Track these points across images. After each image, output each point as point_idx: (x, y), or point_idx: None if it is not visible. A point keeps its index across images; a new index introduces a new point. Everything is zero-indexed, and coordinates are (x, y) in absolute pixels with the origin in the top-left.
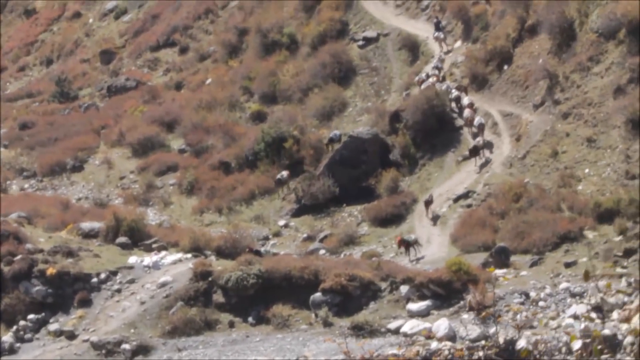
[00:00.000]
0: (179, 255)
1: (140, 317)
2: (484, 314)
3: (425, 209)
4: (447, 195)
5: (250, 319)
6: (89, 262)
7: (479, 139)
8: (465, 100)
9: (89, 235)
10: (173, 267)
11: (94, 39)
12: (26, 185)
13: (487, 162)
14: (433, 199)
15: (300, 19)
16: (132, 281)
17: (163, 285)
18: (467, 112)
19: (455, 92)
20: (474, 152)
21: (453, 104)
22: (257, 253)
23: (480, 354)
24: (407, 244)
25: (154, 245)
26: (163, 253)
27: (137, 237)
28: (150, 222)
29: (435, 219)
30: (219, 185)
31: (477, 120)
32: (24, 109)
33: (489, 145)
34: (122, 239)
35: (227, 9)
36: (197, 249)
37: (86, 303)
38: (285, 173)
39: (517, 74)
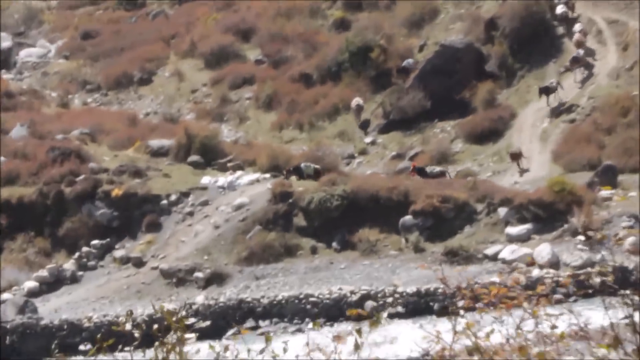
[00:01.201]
0: (256, 175)
1: (214, 243)
2: (600, 236)
3: (516, 162)
4: (547, 110)
5: (334, 244)
6: (158, 183)
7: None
8: (577, 27)
9: (158, 153)
10: (250, 188)
11: None
12: (89, 100)
13: (591, 74)
14: (522, 152)
15: None
16: (205, 203)
17: (239, 207)
18: (577, 37)
19: (562, 8)
20: (575, 62)
21: (558, 14)
22: (297, 171)
23: (594, 281)
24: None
25: (228, 164)
26: (239, 173)
27: (210, 156)
28: (225, 138)
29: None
30: (300, 99)
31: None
32: (86, 17)
33: (590, 53)
34: (194, 158)
35: None
36: (276, 168)
37: (155, 227)
38: (359, 100)
39: None
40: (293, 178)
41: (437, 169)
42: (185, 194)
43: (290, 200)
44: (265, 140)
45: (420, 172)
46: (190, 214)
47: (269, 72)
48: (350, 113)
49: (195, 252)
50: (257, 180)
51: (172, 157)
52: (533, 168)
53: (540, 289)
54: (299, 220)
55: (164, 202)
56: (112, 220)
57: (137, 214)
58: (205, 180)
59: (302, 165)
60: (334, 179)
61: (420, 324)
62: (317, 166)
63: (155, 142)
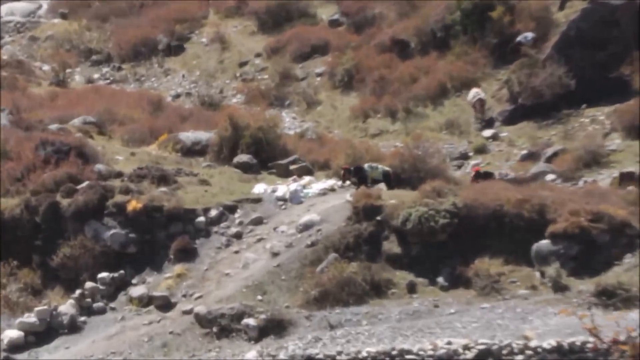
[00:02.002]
0: (331, 181)
1: (271, 277)
2: None
3: None
4: None
5: (440, 280)
6: (192, 193)
7: None
8: None
9: (193, 151)
10: (321, 200)
11: None
12: (96, 76)
13: None
14: None
15: None
16: (258, 221)
17: (306, 227)
18: None
19: None
20: None
21: None
22: (358, 173)
23: None
24: None
25: (292, 167)
26: (306, 179)
27: (266, 155)
28: (287, 130)
29: None
30: (392, 75)
31: None
32: None
33: None
34: (243, 158)
35: None
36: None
37: (188, 255)
38: (480, 92)
39: None
40: (381, 186)
41: (510, 174)
42: (230, 209)
43: (379, 218)
44: (344, 133)
45: (485, 176)
46: (238, 236)
47: (349, 38)
48: (463, 96)
49: (244, 290)
50: (332, 190)
51: (211, 156)
52: None
53: None
54: (391, 246)
55: (201, 219)
56: (127, 244)
57: (163, 237)
58: (259, 189)
59: (366, 166)
60: (439, 187)
61: None
62: (387, 168)
63: (189, 136)
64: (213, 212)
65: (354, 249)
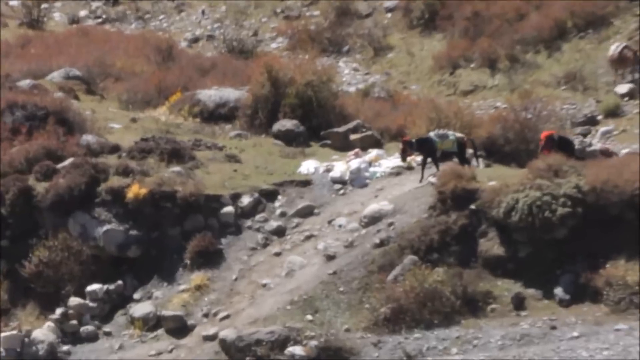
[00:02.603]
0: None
1: (325, 289)
2: None
3: None
4: None
5: (558, 292)
6: (216, 174)
7: None
8: None
9: (216, 116)
10: (394, 183)
11: None
12: (83, 13)
13: None
14: None
15: None
16: (307, 212)
17: (374, 220)
18: None
19: None
20: None
21: None
22: (423, 145)
23: None
24: None
25: (352, 137)
26: (373, 153)
27: (317, 121)
28: (346, 87)
29: None
30: (490, 10)
31: None
32: None
33: None
34: (285, 125)
35: None
36: None
37: (211, 258)
38: (626, 48)
39: None
40: (478, 163)
41: (597, 144)
42: (268, 195)
43: (473, 207)
44: (424, 89)
45: (561, 146)
46: (279, 232)
47: None
48: (590, 36)
49: (288, 308)
50: (409, 168)
51: (242, 123)
52: None
53: None
54: (490, 246)
55: (228, 210)
56: (126, 245)
57: (176, 234)
58: (308, 168)
59: (433, 135)
60: (557, 164)
61: None
62: (461, 135)
63: (211, 95)
64: (245, 200)
65: (440, 250)
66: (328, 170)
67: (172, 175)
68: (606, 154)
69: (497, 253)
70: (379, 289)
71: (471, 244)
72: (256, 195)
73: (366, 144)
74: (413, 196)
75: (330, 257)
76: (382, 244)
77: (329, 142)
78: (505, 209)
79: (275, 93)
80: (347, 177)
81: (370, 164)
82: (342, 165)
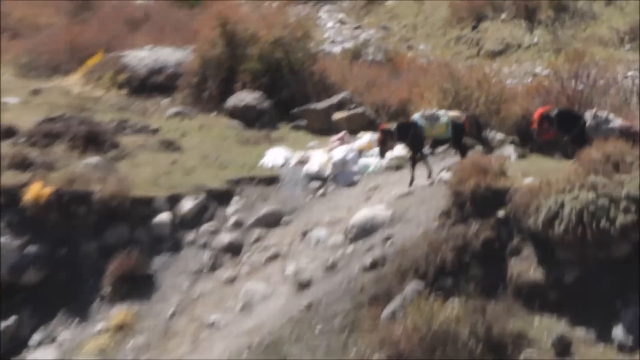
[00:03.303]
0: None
1: (294, 329)
2: None
3: None
4: None
5: (618, 333)
6: (147, 167)
7: None
8: None
9: (149, 86)
10: (394, 180)
11: None
12: None
13: None
14: None
15: None
16: (272, 221)
17: (364, 232)
18: None
19: None
20: None
21: None
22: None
23: None
24: None
25: (337, 116)
26: (365, 137)
27: (288, 92)
28: (329, 47)
29: None
30: None
31: None
32: None
33: None
34: (244, 98)
35: None
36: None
37: (139, 286)
38: None
39: None
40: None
41: (615, 119)
42: (219, 197)
43: (502, 214)
44: (436, 49)
45: (564, 124)
46: (233, 249)
47: None
48: None
49: (245, 356)
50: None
51: (185, 96)
52: None
53: None
54: (525, 267)
55: (163, 218)
56: (22, 267)
57: (92, 251)
58: (275, 158)
59: (418, 117)
60: (618, 153)
61: None
62: (456, 114)
63: (143, 58)
64: (186, 205)
65: (455, 274)
66: (302, 163)
67: (87, 170)
68: (627, 133)
69: (533, 278)
70: (371, 328)
71: (498, 265)
72: (202, 197)
73: (355, 126)
74: (419, 199)
75: (304, 285)
76: (375, 265)
77: (303, 123)
78: (546, 216)
79: (231, 55)
80: (328, 172)
81: (360, 153)
82: (322, 156)
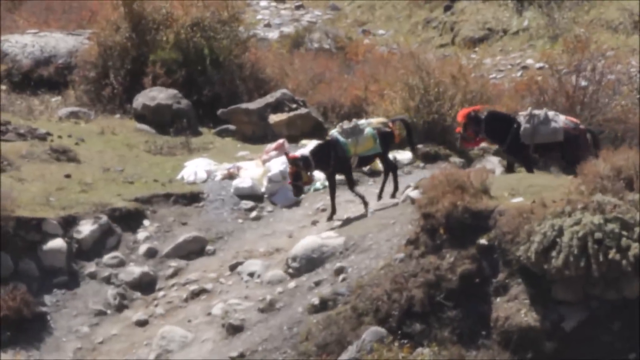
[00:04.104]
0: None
1: None
2: None
3: None
4: None
5: None
6: (33, 183)
7: None
8: None
9: (35, 80)
10: (343, 198)
11: None
12: None
13: None
14: None
15: None
16: (194, 249)
17: (309, 264)
18: None
19: None
20: None
21: None
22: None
23: None
24: None
25: (273, 118)
26: (309, 145)
27: (212, 88)
28: (263, 31)
29: None
30: None
31: None
32: None
33: None
34: (156, 96)
35: None
36: (429, 134)
37: (25, 330)
38: None
39: None
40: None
41: (558, 118)
42: (125, 219)
43: (483, 242)
44: (399, 35)
45: (492, 133)
46: (145, 284)
47: None
48: None
49: None
50: (370, 174)
51: (81, 93)
52: None
53: None
54: (512, 311)
55: (55, 244)
56: None
57: None
58: (196, 171)
59: (337, 133)
60: (628, 165)
61: None
62: (382, 122)
63: (26, 45)
64: (85, 228)
65: (425, 317)
66: (231, 177)
67: None
68: (575, 135)
69: (525, 323)
70: None
71: (480, 306)
72: (104, 219)
73: (297, 131)
74: (379, 222)
75: (235, 330)
76: (324, 305)
77: (232, 127)
78: (540, 245)
79: (140, 42)
80: (263, 189)
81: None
82: (256, 169)
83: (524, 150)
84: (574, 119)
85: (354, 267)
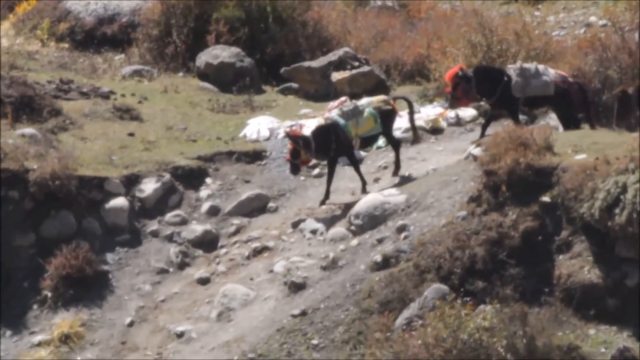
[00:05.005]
0: (432, 109)
1: (285, 342)
2: None
3: None
4: None
5: None
6: (97, 141)
7: None
8: None
9: (98, 38)
10: (406, 156)
11: None
12: None
13: None
14: None
15: None
16: (256, 207)
17: (373, 221)
18: None
19: None
20: None
21: None
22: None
23: None
24: None
25: (336, 76)
26: (363, 100)
27: (275, 48)
28: None
29: None
30: None
31: None
32: None
33: None
34: (219, 54)
35: None
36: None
37: (88, 287)
38: None
39: None
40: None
41: (548, 71)
42: (188, 177)
43: (546, 199)
44: None
45: (482, 89)
46: (207, 242)
47: None
48: None
49: None
50: (436, 129)
51: (144, 51)
52: None
53: None
54: (575, 268)
55: (118, 202)
56: None
57: (27, 245)
58: (259, 128)
59: (336, 115)
60: None
61: None
62: (382, 99)
63: (89, 3)
64: (148, 187)
65: (487, 275)
66: (291, 128)
67: (20, 143)
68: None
69: (588, 280)
70: (381, 341)
71: (543, 264)
72: (167, 178)
73: (360, 89)
74: (441, 179)
75: (297, 287)
76: (386, 263)
77: (295, 85)
78: (604, 203)
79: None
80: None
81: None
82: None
83: (514, 103)
84: (563, 73)
85: (416, 225)
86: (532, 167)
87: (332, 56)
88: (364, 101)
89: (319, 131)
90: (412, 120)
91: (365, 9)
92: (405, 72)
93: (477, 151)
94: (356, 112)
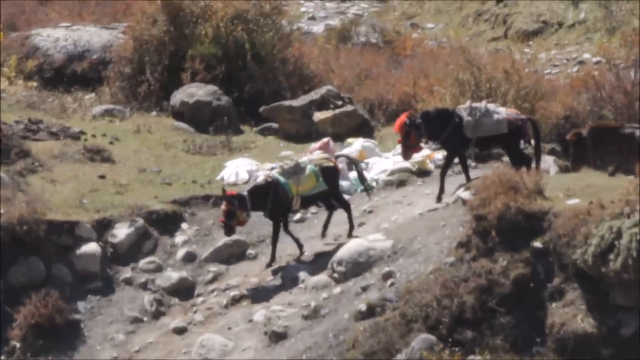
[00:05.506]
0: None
1: None
2: None
3: None
4: None
5: None
6: (66, 184)
7: None
8: None
9: (68, 76)
10: (391, 199)
11: None
12: None
13: None
14: None
15: None
16: (234, 253)
17: (356, 268)
18: None
19: None
20: None
21: None
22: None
23: None
24: None
25: (317, 116)
26: (355, 144)
27: (254, 85)
28: (307, 25)
29: None
30: None
31: None
32: None
33: None
34: (195, 93)
35: None
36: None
37: (58, 338)
38: None
39: None
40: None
41: (499, 109)
42: (163, 222)
43: (538, 245)
44: (449, 29)
45: (433, 132)
46: (183, 290)
47: None
48: None
49: None
50: (418, 174)
51: (116, 90)
52: None
53: None
54: (568, 316)
55: (89, 248)
56: None
57: None
58: (237, 171)
59: (277, 173)
60: None
61: None
62: (324, 157)
63: (59, 39)
64: (120, 232)
65: (477, 324)
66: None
67: None
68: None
69: (581, 329)
70: None
71: (534, 312)
72: (140, 222)
73: (343, 129)
74: (428, 224)
75: (278, 337)
76: (372, 312)
77: (274, 125)
78: (598, 248)
79: (178, 36)
80: None
81: (353, 163)
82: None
83: (465, 144)
84: (514, 110)
85: (402, 272)
86: (523, 211)
87: (314, 95)
88: (305, 158)
89: (257, 188)
90: (361, 176)
91: (348, 45)
92: (390, 112)
93: (465, 195)
94: (297, 170)
